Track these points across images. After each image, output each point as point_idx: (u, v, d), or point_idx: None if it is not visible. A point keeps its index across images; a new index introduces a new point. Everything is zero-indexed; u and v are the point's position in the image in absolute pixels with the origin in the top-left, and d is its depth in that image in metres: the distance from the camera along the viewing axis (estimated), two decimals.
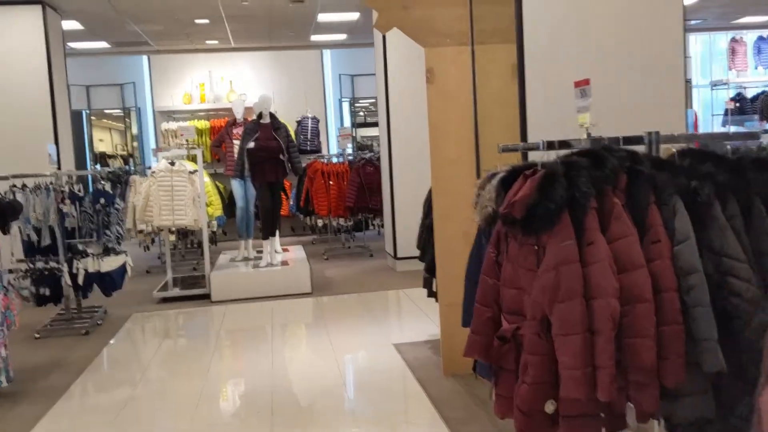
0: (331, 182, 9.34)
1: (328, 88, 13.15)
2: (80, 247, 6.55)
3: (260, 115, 7.43)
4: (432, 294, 5.16)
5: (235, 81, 12.30)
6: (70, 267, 6.13)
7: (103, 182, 6.38)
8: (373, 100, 13.56)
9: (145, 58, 12.59)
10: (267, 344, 5.64)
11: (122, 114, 12.97)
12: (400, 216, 8.15)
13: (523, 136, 3.74)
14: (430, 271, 5.01)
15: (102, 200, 6.24)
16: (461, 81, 4.36)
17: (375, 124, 13.63)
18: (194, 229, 7.57)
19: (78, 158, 12.97)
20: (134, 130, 12.91)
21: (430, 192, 5.12)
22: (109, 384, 5.02)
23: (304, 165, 9.22)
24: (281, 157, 7.36)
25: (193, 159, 8.01)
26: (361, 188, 9.22)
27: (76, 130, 12.98)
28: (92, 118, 13.03)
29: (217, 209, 8.50)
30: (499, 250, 2.68)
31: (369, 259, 9.26)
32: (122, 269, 6.44)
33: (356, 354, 5.35)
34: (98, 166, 12.86)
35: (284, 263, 7.63)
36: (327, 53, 13.17)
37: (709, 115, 13.58)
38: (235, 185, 8.02)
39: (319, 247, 10.36)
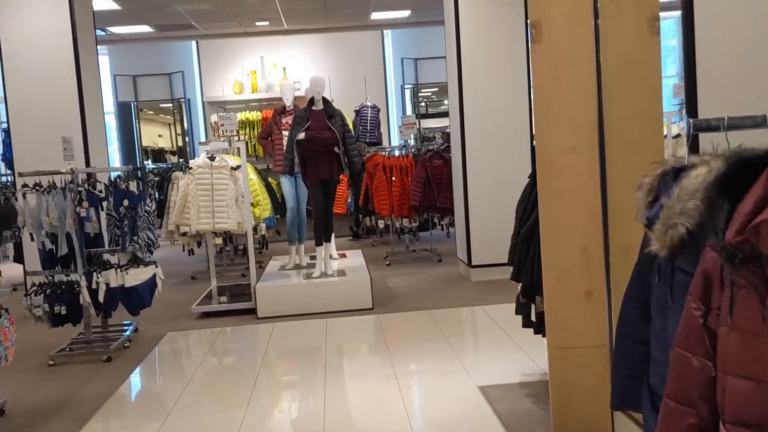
0: (393, 178, 8.22)
1: (390, 73, 12.04)
2: (105, 257, 5.62)
3: (312, 101, 6.36)
4: (529, 324, 3.99)
5: (289, 67, 11.31)
6: (89, 281, 5.19)
7: (128, 181, 5.40)
8: (437, 88, 12.39)
9: (193, 44, 11.73)
10: (318, 377, 4.57)
11: (171, 106, 12.13)
12: (476, 217, 6.98)
13: (692, 108, 2.53)
14: (529, 295, 3.85)
15: (126, 202, 5.28)
16: (578, 40, 3.17)
17: (438, 115, 12.49)
18: (238, 233, 6.57)
19: (127, 154, 12.29)
20: (185, 123, 12.06)
21: (527, 192, 3.96)
22: None
23: (363, 159, 8.13)
24: (336, 150, 6.28)
25: (241, 153, 6.99)
26: (428, 184, 8.07)
27: (126, 124, 12.28)
28: (141, 110, 12.23)
29: (265, 209, 7.47)
30: (710, 307, 1.52)
31: (437, 266, 8.11)
32: (151, 283, 5.47)
33: (429, 398, 4.22)
34: (150, 164, 12.10)
35: (341, 273, 6.55)
36: (388, 35, 12.05)
37: None
38: (285, 183, 6.98)
39: (380, 250, 9.26)
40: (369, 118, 11.24)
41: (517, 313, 4.13)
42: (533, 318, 3.89)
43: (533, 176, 3.97)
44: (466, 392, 4.11)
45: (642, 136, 3.16)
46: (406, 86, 12.07)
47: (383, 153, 8.76)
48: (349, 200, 10.50)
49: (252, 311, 6.19)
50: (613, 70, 3.15)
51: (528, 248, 3.80)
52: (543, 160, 3.23)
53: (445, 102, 12.50)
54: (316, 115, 6.30)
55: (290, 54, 11.49)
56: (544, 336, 3.86)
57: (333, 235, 7.04)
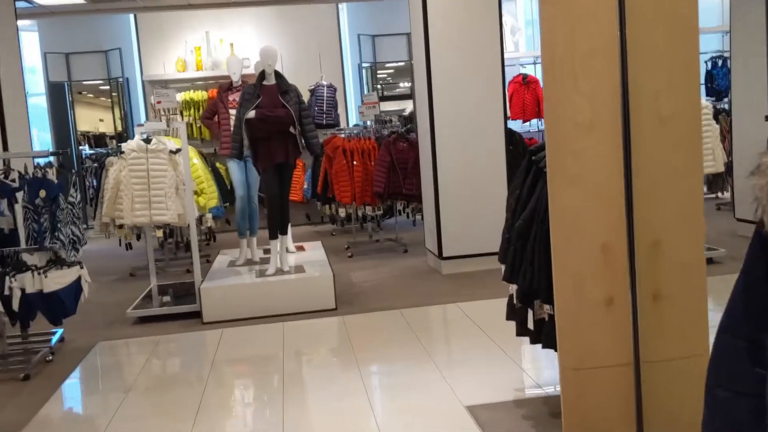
0: (355, 162, 7.52)
1: (346, 51, 11.31)
2: (22, 257, 4.81)
3: (262, 75, 5.62)
4: (525, 332, 3.37)
5: (237, 43, 10.47)
6: (1, 286, 4.40)
7: (44, 169, 4.60)
8: (395, 69, 11.70)
9: (131, 18, 10.78)
10: (274, 393, 3.89)
11: (108, 87, 11.17)
12: (446, 205, 6.34)
13: None
14: (527, 299, 3.22)
15: (43, 192, 4.48)
16: None
17: (395, 98, 11.81)
18: (180, 226, 5.81)
19: (60, 140, 11.30)
20: (124, 105, 11.12)
21: (521, 179, 3.33)
22: None
23: (320, 141, 7.40)
24: (292, 130, 5.57)
25: (181, 134, 6.20)
26: (393, 169, 7.41)
27: (59, 107, 11.28)
28: (80, 92, 11.25)
29: (212, 198, 6.69)
30: None
31: (403, 257, 7.47)
32: (75, 287, 4.70)
33: (408, 420, 3.57)
34: (87, 150, 11.15)
35: (299, 269, 5.85)
36: (344, 9, 11.30)
37: None
38: (233, 168, 6.21)
39: (341, 240, 8.58)
40: (325, 98, 10.51)
41: (509, 318, 3.52)
42: (530, 325, 3.27)
43: (529, 160, 3.35)
44: (451, 412, 3.48)
45: (675, 109, 2.55)
46: (363, 64, 11.35)
47: (342, 135, 8.05)
48: (306, 186, 9.78)
49: (197, 315, 5.46)
50: (642, 27, 2.52)
51: (524, 244, 3.17)
52: (554, 140, 2.59)
53: (401, 84, 11.84)
54: (267, 91, 5.57)
55: (238, 29, 10.65)
56: (544, 347, 3.26)
57: (290, 225, 6.33)
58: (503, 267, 3.47)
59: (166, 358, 4.96)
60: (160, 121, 9.99)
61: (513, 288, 3.38)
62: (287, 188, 5.68)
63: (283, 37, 10.70)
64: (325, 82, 10.52)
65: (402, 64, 11.68)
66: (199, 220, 6.55)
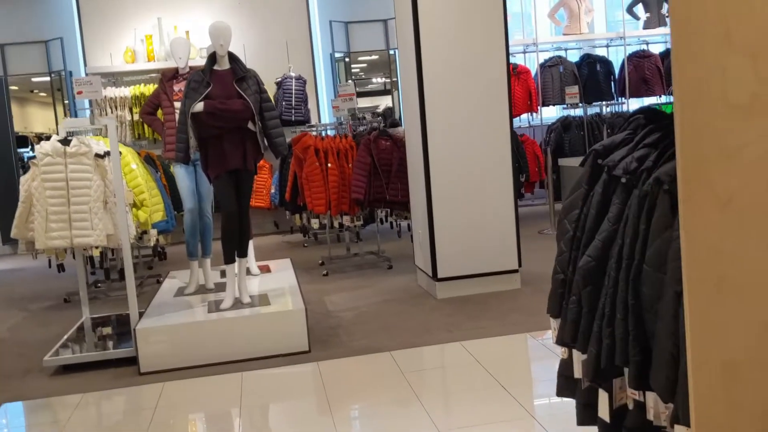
0: (329, 164, 6.39)
1: (316, 39, 10.17)
2: None
3: (213, 58, 4.48)
4: (592, 419, 2.28)
5: (193, 31, 9.27)
6: None
7: None
8: (371, 59, 10.59)
9: (73, 3, 9.52)
10: None
11: (48, 80, 9.89)
12: (442, 217, 5.25)
13: None
14: (602, 376, 2.13)
15: None
16: None
17: (367, 94, 10.70)
18: (111, 247, 4.64)
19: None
20: (65, 101, 9.85)
21: (583, 193, 2.25)
22: None
23: (288, 140, 6.26)
24: (250, 126, 4.44)
25: (109, 132, 5.01)
26: (375, 172, 6.30)
27: None
28: (32, 90, 9.96)
29: (156, 211, 5.51)
30: None
31: (388, 274, 6.36)
32: None
33: None
34: (28, 152, 9.86)
35: (263, 299, 4.70)
36: None
37: None
38: (180, 175, 5.03)
39: (314, 254, 7.45)
40: (294, 91, 9.38)
41: (561, 393, 2.43)
42: (604, 413, 2.19)
43: (595, 163, 2.28)
44: None
45: None
46: (336, 54, 10.22)
47: (314, 132, 6.92)
48: (273, 191, 8.63)
49: (134, 360, 4.29)
50: None
51: (597, 294, 2.09)
52: (687, 131, 1.49)
53: (374, 80, 10.73)
54: (219, 78, 4.42)
55: (194, 15, 9.45)
56: None
57: (252, 243, 5.20)
58: (552, 320, 2.38)
59: (87, 427, 3.79)
60: (101, 117, 8.83)
61: (567, 353, 2.30)
62: (246, 200, 4.53)
63: (246, 24, 9.54)
64: (293, 74, 9.40)
65: (375, 57, 10.59)
66: (139, 238, 5.37)
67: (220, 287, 5.02)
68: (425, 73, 5.13)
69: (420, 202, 5.47)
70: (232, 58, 4.52)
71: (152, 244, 5.56)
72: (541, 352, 4.12)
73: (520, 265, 5.39)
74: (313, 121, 9.61)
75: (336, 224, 6.54)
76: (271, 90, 9.41)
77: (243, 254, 4.57)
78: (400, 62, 5.79)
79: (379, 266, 6.71)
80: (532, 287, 5.41)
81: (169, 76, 5.21)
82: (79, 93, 4.20)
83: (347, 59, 10.36)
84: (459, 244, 5.26)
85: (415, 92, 5.24)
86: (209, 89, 4.36)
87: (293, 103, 9.38)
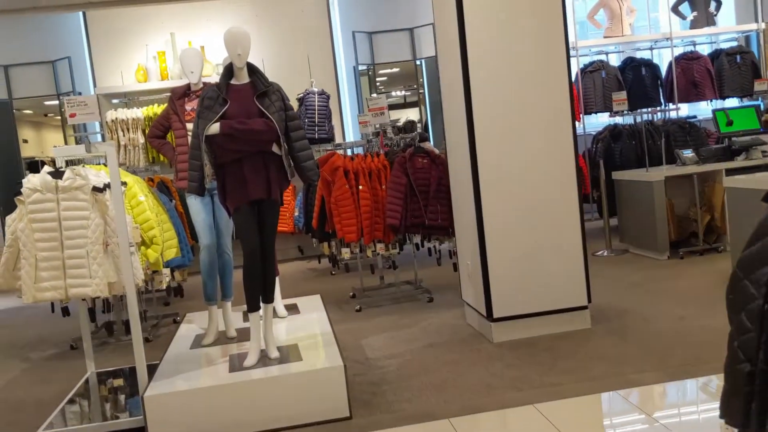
0: (360, 186, 5.71)
1: (339, 51, 9.54)
2: None
3: (230, 70, 3.83)
4: None
5: (208, 46, 8.68)
6: None
7: None
8: (392, 72, 9.92)
9: (81, 22, 8.98)
10: None
11: (57, 103, 9.34)
12: (496, 244, 4.53)
13: None
14: None
15: None
16: None
17: (395, 106, 10.04)
18: (115, 294, 3.98)
19: (6, 167, 9.45)
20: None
21: None
22: None
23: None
24: (275, 149, 3.77)
25: (109, 161, 4.38)
26: (411, 194, 5.61)
27: (2, 128, 9.44)
28: (26, 111, 9.43)
29: (170, 248, 4.84)
30: None
31: (430, 309, 5.65)
32: None
33: None
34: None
35: (293, 353, 3.99)
36: (334, 2, 9.54)
37: None
38: (195, 207, 4.37)
39: (343, 284, 6.76)
40: (317, 107, 8.74)
41: None
42: None
43: None
44: None
45: None
46: (360, 67, 9.58)
47: (341, 152, 6.25)
48: (297, 214, 7.97)
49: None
50: None
51: None
52: None
53: (394, 93, 10.08)
54: (237, 94, 3.77)
55: (210, 30, 8.86)
56: None
57: (277, 281, 4.52)
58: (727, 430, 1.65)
59: None
60: (118, 142, 8.23)
61: None
62: (271, 235, 3.85)
63: (266, 37, 8.95)
64: (315, 89, 8.77)
65: (396, 70, 9.93)
66: (149, 282, 4.71)
67: (243, 334, 4.34)
68: (473, 80, 4.43)
69: (468, 228, 4.75)
70: (252, 70, 3.86)
71: (164, 286, 4.89)
72: (634, 414, 3.38)
73: (589, 301, 4.65)
74: (337, 139, 8.98)
75: (369, 253, 5.84)
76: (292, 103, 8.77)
77: (269, 299, 3.89)
78: (441, 70, 5.10)
79: (417, 299, 6.00)
80: (603, 326, 4.67)
81: (180, 94, 4.56)
82: (72, 115, 3.56)
83: (370, 72, 9.72)
84: (517, 278, 4.54)
85: (460, 103, 4.54)
86: (226, 107, 3.70)
87: (316, 120, 8.75)
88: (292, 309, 4.97)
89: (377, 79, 9.92)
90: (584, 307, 4.65)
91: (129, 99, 8.67)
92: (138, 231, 4.37)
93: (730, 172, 6.46)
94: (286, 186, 3.86)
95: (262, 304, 3.85)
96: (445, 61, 4.93)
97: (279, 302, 4.81)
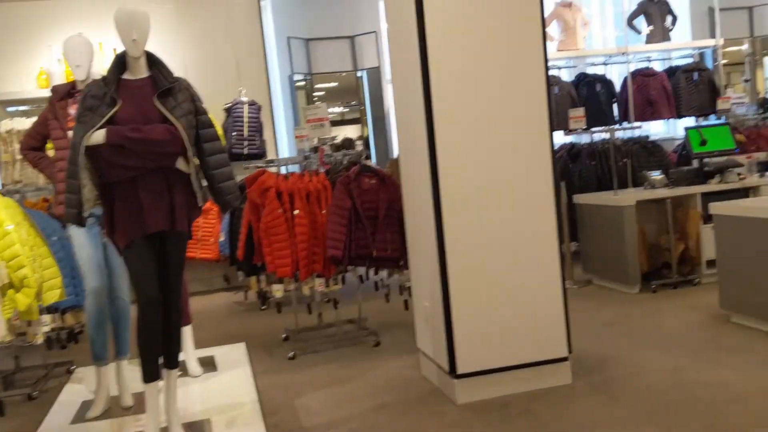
0: (296, 210, 4.82)
1: (272, 59, 8.66)
2: None
3: (121, 62, 2.91)
4: None
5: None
6: None
7: None
8: (329, 86, 9.11)
9: None
10: None
11: None
12: (462, 284, 3.71)
13: None
14: None
15: None
16: None
17: (337, 122, 9.22)
18: None
19: None
20: None
21: None
22: None
23: (240, 181, 4.67)
24: (181, 165, 2.86)
25: None
26: (357, 219, 4.77)
27: None
28: None
29: (51, 289, 3.79)
30: None
31: (376, 354, 4.79)
32: None
33: None
34: None
35: (206, 426, 3.05)
36: (267, 5, 8.67)
37: None
38: (78, 239, 3.39)
39: (275, 322, 5.82)
40: (246, 118, 7.83)
41: None
42: None
43: None
44: None
45: None
46: (296, 75, 8.71)
47: (273, 170, 5.35)
48: (223, 239, 7.00)
49: None
50: None
51: None
52: None
53: (332, 109, 9.29)
54: (131, 92, 2.86)
55: None
56: None
57: (189, 330, 3.58)
58: None
59: None
60: (13, 159, 7.14)
61: None
62: (175, 279, 2.92)
63: (187, 39, 7.97)
64: (245, 98, 7.85)
65: (335, 84, 9.14)
66: (21, 334, 3.68)
67: (143, 402, 3.38)
68: (434, 91, 3.63)
69: (426, 263, 3.93)
70: (153, 61, 2.97)
71: (40, 340, 3.85)
72: None
73: (570, 351, 3.88)
74: (270, 155, 8.07)
75: (306, 290, 4.95)
76: (218, 119, 7.85)
77: (172, 363, 2.95)
78: (394, 80, 4.29)
79: (362, 342, 5.14)
80: (585, 381, 3.90)
81: (62, 94, 3.59)
82: None
83: (307, 83, 8.86)
84: (486, 324, 3.74)
85: (418, 117, 3.73)
86: (115, 109, 2.79)
87: (246, 133, 7.83)
88: (209, 365, 4.04)
89: (314, 93, 9.07)
90: (564, 359, 3.88)
91: (29, 107, 7.57)
92: (4, 271, 3.36)
93: (706, 196, 5.87)
94: (196, 214, 2.96)
95: (164, 371, 2.92)
96: (399, 69, 4.12)
97: (191, 357, 3.88)
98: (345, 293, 5.59)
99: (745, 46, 9.28)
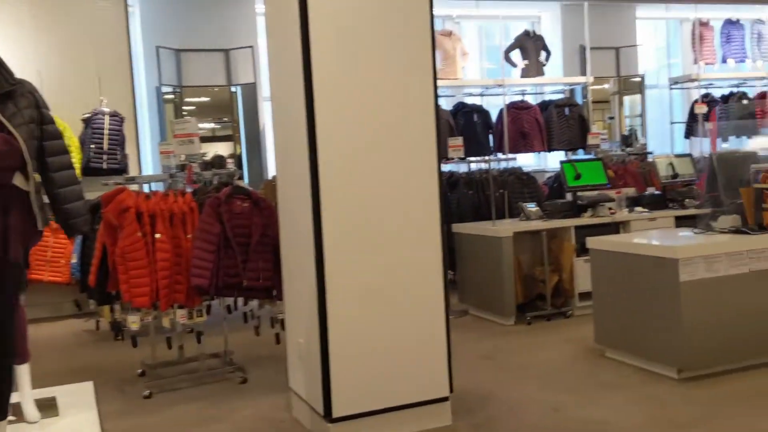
0: (158, 234, 4.37)
1: (138, 68, 8.10)
2: None
3: None
4: None
5: None
6: None
7: None
8: (201, 101, 8.65)
9: None
10: None
11: None
12: (342, 319, 3.43)
13: None
14: None
15: None
16: None
17: (208, 139, 8.73)
18: None
19: None
20: None
21: None
22: None
23: (94, 200, 4.16)
24: (20, 183, 2.42)
25: None
26: (226, 245, 4.38)
27: None
28: None
29: None
30: None
31: (243, 392, 4.41)
32: None
33: None
34: None
35: None
36: (135, 12, 8.13)
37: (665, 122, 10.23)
38: None
39: (129, 354, 5.25)
40: (107, 131, 7.24)
41: None
42: None
43: None
44: None
45: None
46: (165, 88, 8.18)
47: (135, 187, 4.86)
48: (75, 260, 6.35)
49: None
50: None
51: None
52: None
53: (204, 125, 8.85)
54: None
55: None
56: None
57: (27, 368, 3.07)
58: None
59: None
60: None
61: None
62: (6, 319, 2.45)
63: (44, 44, 7.28)
64: (106, 109, 7.26)
65: (207, 99, 8.69)
66: None
67: None
68: (319, 116, 3.36)
69: (303, 296, 3.62)
70: None
71: None
72: None
73: (451, 390, 3.69)
74: (132, 171, 7.48)
75: (166, 322, 4.49)
76: (76, 130, 7.20)
77: (2, 412, 2.47)
78: (272, 100, 3.98)
79: (228, 378, 4.73)
80: (465, 421, 3.73)
81: None
82: None
83: (176, 96, 8.34)
84: (364, 364, 3.48)
85: (301, 141, 3.45)
86: None
87: (106, 146, 7.23)
88: (49, 408, 3.51)
89: (184, 107, 8.55)
90: (445, 399, 3.68)
91: None
92: None
93: (579, 229, 5.95)
94: (35, 240, 2.51)
95: None
96: (279, 88, 3.83)
97: (28, 400, 3.35)
98: (210, 324, 5.15)
99: (608, 85, 9.72)
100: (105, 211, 4.38)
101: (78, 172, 7.21)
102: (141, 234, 4.33)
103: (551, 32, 9.43)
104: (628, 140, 9.47)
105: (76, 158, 7.20)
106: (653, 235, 5.07)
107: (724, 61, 9.98)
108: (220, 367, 4.86)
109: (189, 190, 4.78)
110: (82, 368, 5.19)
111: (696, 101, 9.60)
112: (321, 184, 3.37)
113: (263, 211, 4.48)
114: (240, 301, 5.01)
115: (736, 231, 4.43)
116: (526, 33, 9.01)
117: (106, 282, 4.55)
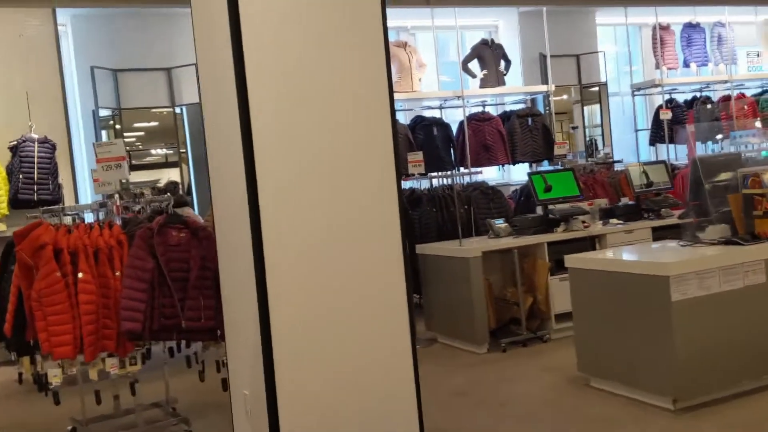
0: (81, 273, 3.81)
1: (73, 90, 7.51)
2: None
3: None
4: None
5: None
6: None
7: None
8: (149, 126, 8.10)
9: None
10: None
11: None
12: (291, 364, 2.92)
13: None
14: None
15: None
16: None
17: (143, 167, 8.16)
18: None
19: None
20: None
21: None
22: None
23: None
24: None
25: None
26: (162, 283, 3.84)
27: None
28: None
29: None
30: None
31: None
32: None
33: None
34: None
35: None
36: (67, 31, 7.56)
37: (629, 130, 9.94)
38: None
39: (56, 409, 4.63)
40: (37, 159, 6.64)
41: None
42: None
43: None
44: None
45: None
46: (102, 111, 7.60)
47: (55, 220, 4.28)
48: None
49: None
50: None
51: None
52: None
53: (153, 152, 8.29)
54: None
55: None
56: None
57: None
58: None
59: None
60: None
61: None
62: None
63: None
64: (35, 135, 6.68)
65: (154, 123, 8.16)
66: None
67: None
68: (257, 138, 2.86)
69: (245, 339, 3.11)
70: None
71: None
72: None
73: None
74: (68, 200, 6.89)
75: (94, 374, 3.91)
76: (3, 158, 6.60)
77: None
78: (206, 117, 3.46)
79: (170, 431, 4.16)
80: None
81: None
82: None
83: (115, 119, 7.76)
84: (321, 413, 2.97)
85: (236, 163, 2.95)
86: None
87: (36, 176, 6.63)
88: None
89: (130, 133, 7.97)
90: None
91: None
92: None
93: (552, 245, 5.54)
94: None
95: None
96: (212, 104, 3.33)
97: None
98: (151, 368, 4.57)
99: (566, 96, 9.44)
100: (18, 249, 3.81)
101: (4, 205, 6.64)
102: (60, 274, 3.77)
103: (510, 41, 9.09)
104: (589, 150, 9.19)
105: (2, 190, 6.61)
106: (637, 250, 4.67)
107: (686, 65, 9.76)
108: (162, 418, 4.31)
109: (117, 221, 4.23)
110: (7, 426, 4.59)
111: (660, 107, 9.34)
112: (262, 213, 2.86)
113: (202, 241, 3.95)
114: (184, 342, 4.46)
115: (727, 242, 4.04)
116: (484, 42, 8.66)
117: (24, 330, 3.97)
